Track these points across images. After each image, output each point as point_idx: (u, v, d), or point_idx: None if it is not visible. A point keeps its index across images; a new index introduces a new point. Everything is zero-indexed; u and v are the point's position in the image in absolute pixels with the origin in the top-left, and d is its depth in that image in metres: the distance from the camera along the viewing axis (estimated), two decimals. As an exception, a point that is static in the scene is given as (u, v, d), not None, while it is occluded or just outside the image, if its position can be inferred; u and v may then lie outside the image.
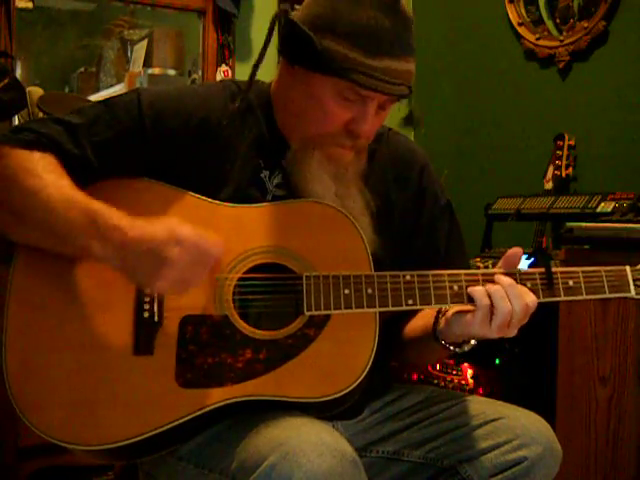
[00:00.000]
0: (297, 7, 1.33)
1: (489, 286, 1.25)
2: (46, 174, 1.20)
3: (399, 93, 1.27)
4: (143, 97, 1.32)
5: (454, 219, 1.51)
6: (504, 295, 1.23)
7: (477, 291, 1.24)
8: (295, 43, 1.27)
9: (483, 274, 1.28)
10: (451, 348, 1.33)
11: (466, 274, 1.28)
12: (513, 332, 1.26)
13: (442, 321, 1.31)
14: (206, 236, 1.16)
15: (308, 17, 1.27)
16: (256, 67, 1.34)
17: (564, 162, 2.83)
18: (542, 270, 1.29)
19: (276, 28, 1.31)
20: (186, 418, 1.19)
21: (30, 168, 1.21)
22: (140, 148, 1.30)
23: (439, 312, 1.33)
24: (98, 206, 1.17)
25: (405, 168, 1.47)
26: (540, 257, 1.33)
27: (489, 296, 1.23)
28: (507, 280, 1.25)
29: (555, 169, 2.84)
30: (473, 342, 1.32)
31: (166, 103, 1.33)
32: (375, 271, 1.28)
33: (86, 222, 1.16)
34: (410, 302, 1.26)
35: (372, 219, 1.35)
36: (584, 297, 1.29)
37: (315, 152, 1.32)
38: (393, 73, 1.24)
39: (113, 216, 1.16)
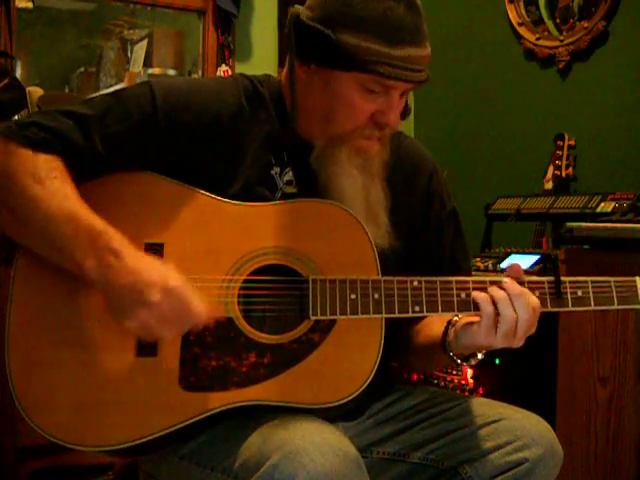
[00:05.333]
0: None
1: (494, 292, 1.23)
2: (49, 180, 1.18)
3: (421, 79, 1.28)
4: (156, 90, 1.30)
5: (459, 226, 1.51)
6: (509, 303, 1.22)
7: (481, 298, 1.24)
8: (312, 43, 1.26)
9: (491, 281, 1.27)
10: (459, 362, 1.33)
11: (474, 281, 1.27)
12: (520, 342, 1.25)
13: (451, 332, 1.30)
14: (196, 298, 1.14)
15: (321, 15, 1.26)
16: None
17: (564, 162, 2.83)
18: (550, 279, 1.28)
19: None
20: (189, 422, 1.19)
21: (35, 173, 1.18)
22: (152, 142, 1.28)
23: (449, 323, 1.32)
24: (101, 226, 1.16)
25: (414, 171, 1.47)
26: (549, 266, 1.31)
27: (494, 303, 1.23)
28: (515, 288, 1.23)
29: (555, 169, 2.84)
30: (480, 356, 1.32)
31: (179, 97, 1.31)
32: (384, 270, 1.27)
33: (86, 239, 1.15)
34: (417, 309, 1.26)
35: (388, 212, 1.35)
36: (592, 308, 1.28)
37: (343, 148, 1.31)
38: (414, 60, 1.25)
39: (115, 239, 1.15)
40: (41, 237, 1.18)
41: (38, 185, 1.18)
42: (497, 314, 1.22)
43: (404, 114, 1.37)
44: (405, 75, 1.25)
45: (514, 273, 1.27)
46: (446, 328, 1.31)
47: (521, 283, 1.26)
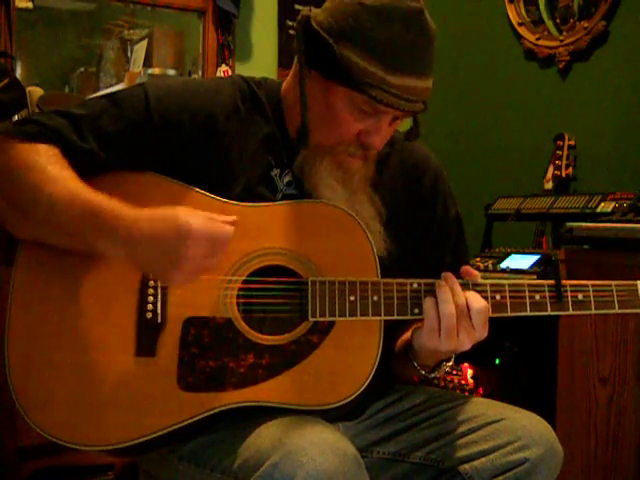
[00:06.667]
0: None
1: (439, 294, 1.24)
2: (49, 166, 1.19)
3: (415, 110, 1.27)
4: (150, 91, 1.30)
5: (462, 232, 1.50)
6: (449, 298, 1.23)
7: (425, 301, 1.25)
8: (316, 49, 1.26)
9: (491, 285, 1.27)
10: (422, 372, 1.35)
11: (474, 284, 1.27)
12: (465, 343, 1.25)
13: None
14: (215, 221, 1.15)
15: (330, 25, 1.25)
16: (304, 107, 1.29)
17: (564, 162, 2.84)
18: (551, 282, 1.28)
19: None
20: (187, 422, 1.19)
21: (33, 162, 1.19)
22: (146, 143, 1.28)
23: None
24: (101, 199, 1.16)
25: (418, 175, 1.46)
26: (551, 269, 1.32)
27: (437, 306, 1.24)
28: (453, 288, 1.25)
29: (555, 169, 2.84)
30: (446, 367, 1.35)
31: (174, 98, 1.31)
32: (383, 277, 1.27)
33: (90, 217, 1.15)
34: (416, 311, 1.26)
35: (382, 224, 1.35)
36: (593, 312, 1.28)
37: (325, 160, 1.31)
38: (411, 91, 1.24)
39: (116, 209, 1.15)
40: (47, 224, 1.18)
41: (38, 173, 1.18)
42: (439, 316, 1.23)
43: (413, 135, 1.36)
44: (397, 103, 1.23)
45: (467, 274, 1.28)
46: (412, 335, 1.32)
47: (475, 285, 1.27)
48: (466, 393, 2.55)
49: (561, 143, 2.86)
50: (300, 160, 1.34)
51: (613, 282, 1.29)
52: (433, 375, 1.37)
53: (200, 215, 1.15)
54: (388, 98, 1.22)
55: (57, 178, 1.18)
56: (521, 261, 2.48)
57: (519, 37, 3.22)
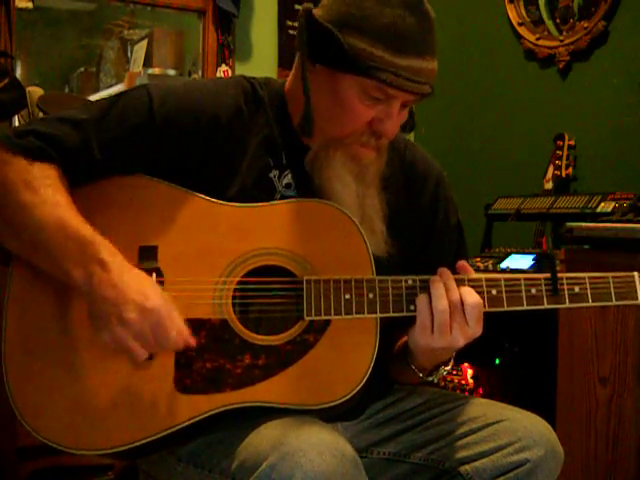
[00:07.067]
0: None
1: (432, 290, 1.24)
2: (42, 188, 1.19)
3: (424, 92, 1.27)
4: (153, 93, 1.29)
5: (463, 239, 1.50)
6: (442, 294, 1.23)
7: (419, 298, 1.25)
8: (320, 42, 1.25)
9: (487, 279, 1.27)
10: (420, 375, 1.34)
11: (470, 280, 1.27)
12: (459, 340, 1.24)
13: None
14: (175, 321, 1.14)
15: (332, 15, 1.25)
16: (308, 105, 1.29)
17: (564, 162, 2.84)
18: (547, 276, 1.28)
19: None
20: (185, 424, 1.19)
21: (28, 181, 1.19)
22: (149, 145, 1.28)
23: None
24: (90, 235, 1.16)
25: (419, 180, 1.45)
26: (546, 262, 1.31)
27: (430, 302, 1.23)
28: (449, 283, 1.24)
29: (555, 169, 2.84)
30: (444, 370, 1.35)
31: (177, 100, 1.30)
32: (383, 274, 1.27)
33: (75, 248, 1.15)
34: (412, 308, 1.25)
35: (385, 224, 1.34)
36: (590, 304, 1.27)
37: (338, 152, 1.31)
38: (419, 72, 1.24)
39: (103, 249, 1.15)
40: (32, 245, 1.18)
41: (31, 193, 1.18)
42: (432, 312, 1.23)
43: (408, 127, 1.36)
44: (407, 85, 1.23)
45: (462, 270, 1.28)
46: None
47: (471, 280, 1.26)
48: (466, 393, 2.55)
49: (561, 143, 2.86)
50: (311, 156, 1.33)
51: (610, 274, 1.28)
52: (431, 379, 1.37)
53: (170, 306, 1.15)
54: (398, 81, 1.22)
55: (48, 201, 1.18)
56: (521, 261, 2.49)
57: (519, 37, 3.22)
